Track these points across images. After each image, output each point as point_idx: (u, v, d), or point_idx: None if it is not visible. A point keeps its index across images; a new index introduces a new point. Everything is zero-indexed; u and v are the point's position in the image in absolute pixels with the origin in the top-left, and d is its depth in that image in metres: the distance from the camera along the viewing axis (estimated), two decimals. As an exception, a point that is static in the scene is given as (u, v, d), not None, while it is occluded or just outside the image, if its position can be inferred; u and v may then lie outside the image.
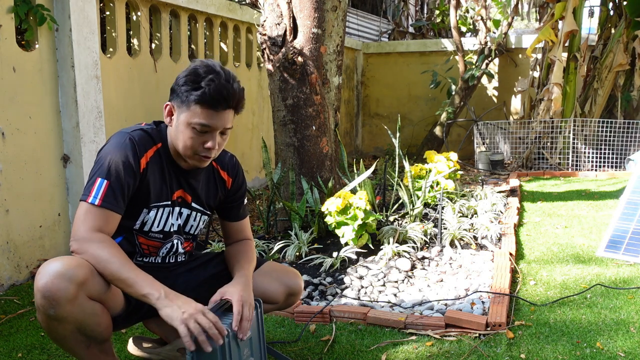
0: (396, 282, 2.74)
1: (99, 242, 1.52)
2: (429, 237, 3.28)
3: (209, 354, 1.47)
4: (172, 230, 1.76)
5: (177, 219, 1.77)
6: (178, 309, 1.46)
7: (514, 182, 5.13)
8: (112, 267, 1.50)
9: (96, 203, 1.54)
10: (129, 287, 1.50)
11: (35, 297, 1.47)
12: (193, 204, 1.79)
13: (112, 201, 1.56)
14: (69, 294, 1.45)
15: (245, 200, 1.94)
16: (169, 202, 1.73)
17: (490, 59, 7.01)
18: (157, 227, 1.73)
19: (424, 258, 3.03)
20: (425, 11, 10.95)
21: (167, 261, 1.82)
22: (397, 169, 3.69)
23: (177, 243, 1.81)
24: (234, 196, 1.88)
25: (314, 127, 3.48)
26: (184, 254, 1.87)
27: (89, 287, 1.50)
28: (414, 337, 2.13)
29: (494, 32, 7.11)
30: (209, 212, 1.86)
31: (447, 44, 7.51)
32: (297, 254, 3.05)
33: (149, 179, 1.66)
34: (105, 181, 1.56)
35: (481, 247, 3.22)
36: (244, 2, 5.29)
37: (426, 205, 3.92)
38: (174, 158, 1.71)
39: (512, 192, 4.68)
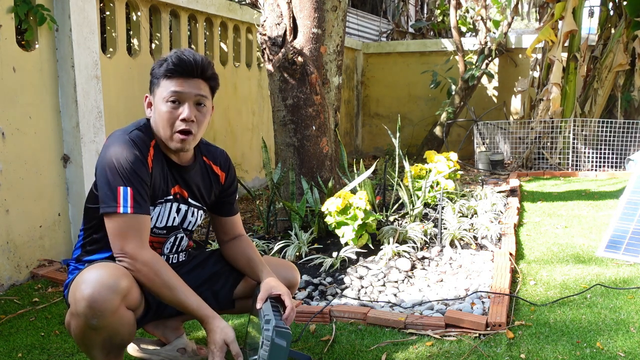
0: (396, 282, 2.74)
1: (151, 264, 1.55)
2: (429, 237, 3.28)
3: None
4: (174, 224, 1.77)
5: (176, 214, 1.78)
6: (210, 343, 1.58)
7: (514, 182, 5.13)
8: (165, 292, 1.56)
9: (129, 212, 1.54)
10: (183, 309, 1.61)
11: (77, 305, 1.47)
12: (190, 200, 1.79)
13: (142, 204, 1.58)
14: (113, 306, 1.47)
15: (237, 195, 1.95)
16: (170, 197, 1.74)
17: (490, 59, 7.01)
18: (161, 223, 1.74)
19: (424, 258, 3.03)
20: (425, 11, 10.94)
21: (170, 261, 1.82)
22: (397, 169, 3.69)
23: (180, 237, 1.82)
24: (228, 190, 1.90)
25: (314, 127, 3.48)
26: (185, 251, 1.88)
27: (128, 298, 1.53)
28: (414, 337, 2.13)
29: (494, 32, 7.10)
30: (205, 208, 1.87)
31: (447, 44, 7.51)
32: (297, 254, 3.05)
33: (155, 176, 1.67)
34: (129, 188, 1.55)
35: (481, 247, 3.22)
36: (244, 2, 5.29)
37: (426, 205, 3.92)
38: (167, 153, 1.71)
39: (512, 192, 4.68)
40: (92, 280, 1.46)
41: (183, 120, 1.61)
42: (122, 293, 1.49)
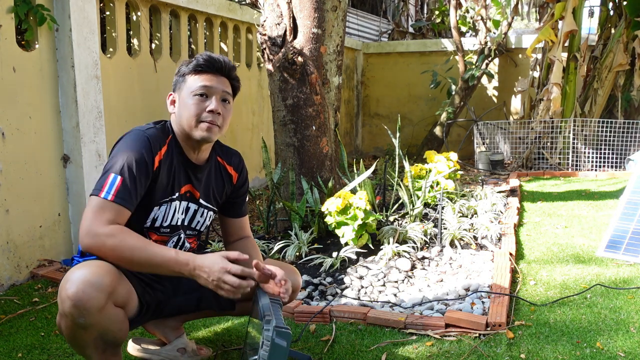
0: (396, 282, 2.74)
1: (117, 234, 1.50)
2: (429, 237, 3.28)
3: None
4: (178, 224, 1.77)
5: (183, 214, 1.78)
6: (207, 278, 1.51)
7: (514, 182, 5.13)
8: (137, 255, 1.50)
9: (109, 198, 1.53)
10: (158, 270, 1.53)
11: (63, 305, 1.47)
12: (201, 201, 1.80)
13: (125, 197, 1.55)
14: (99, 303, 1.47)
15: (247, 197, 1.96)
16: (176, 195, 1.74)
17: (490, 59, 7.01)
18: (166, 221, 1.74)
19: (424, 258, 3.03)
20: (425, 11, 10.94)
21: None
22: (397, 169, 3.69)
23: (183, 237, 1.82)
24: (239, 191, 1.91)
25: (314, 127, 3.48)
26: (189, 250, 1.88)
27: (115, 295, 1.52)
28: (414, 337, 2.13)
29: (494, 32, 7.11)
30: (215, 209, 1.87)
31: (447, 44, 7.51)
32: (297, 254, 3.05)
33: (161, 176, 1.67)
34: (119, 177, 1.55)
35: (481, 247, 3.22)
36: (244, 2, 5.29)
37: (426, 205, 3.92)
38: (184, 150, 1.72)
39: (512, 192, 4.68)
40: (76, 279, 1.46)
41: (210, 111, 1.66)
42: (106, 290, 1.48)
